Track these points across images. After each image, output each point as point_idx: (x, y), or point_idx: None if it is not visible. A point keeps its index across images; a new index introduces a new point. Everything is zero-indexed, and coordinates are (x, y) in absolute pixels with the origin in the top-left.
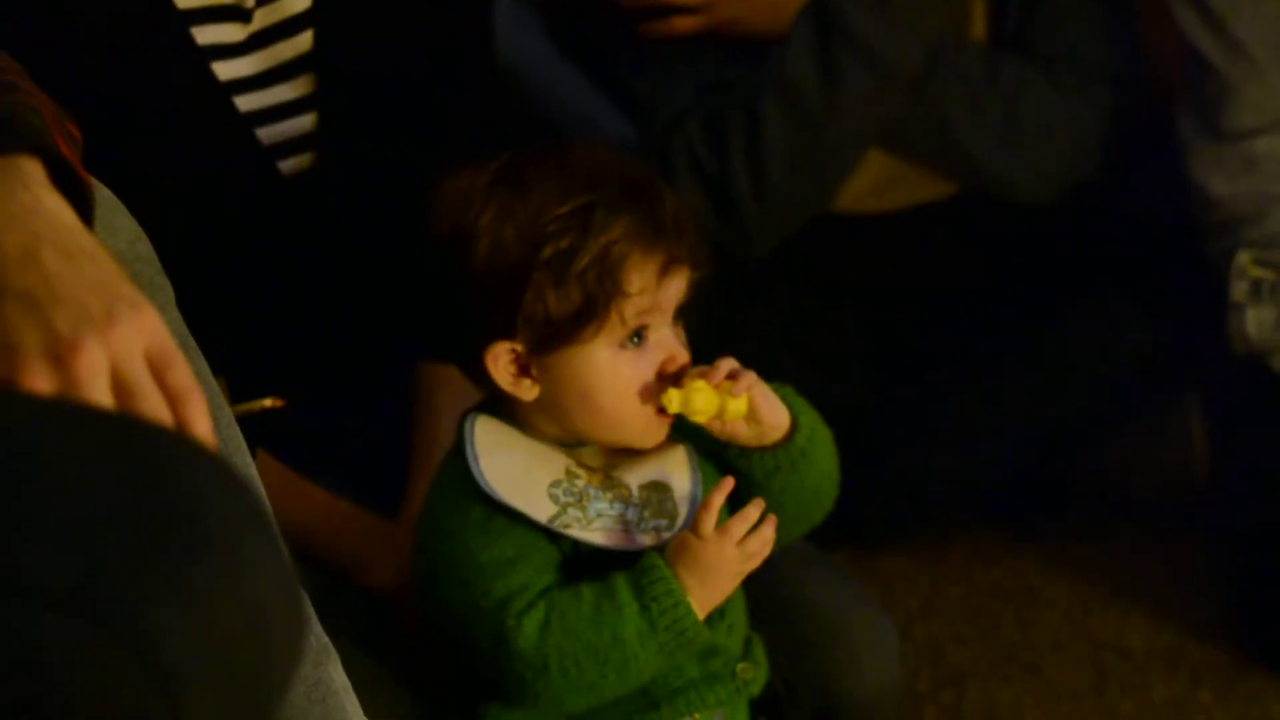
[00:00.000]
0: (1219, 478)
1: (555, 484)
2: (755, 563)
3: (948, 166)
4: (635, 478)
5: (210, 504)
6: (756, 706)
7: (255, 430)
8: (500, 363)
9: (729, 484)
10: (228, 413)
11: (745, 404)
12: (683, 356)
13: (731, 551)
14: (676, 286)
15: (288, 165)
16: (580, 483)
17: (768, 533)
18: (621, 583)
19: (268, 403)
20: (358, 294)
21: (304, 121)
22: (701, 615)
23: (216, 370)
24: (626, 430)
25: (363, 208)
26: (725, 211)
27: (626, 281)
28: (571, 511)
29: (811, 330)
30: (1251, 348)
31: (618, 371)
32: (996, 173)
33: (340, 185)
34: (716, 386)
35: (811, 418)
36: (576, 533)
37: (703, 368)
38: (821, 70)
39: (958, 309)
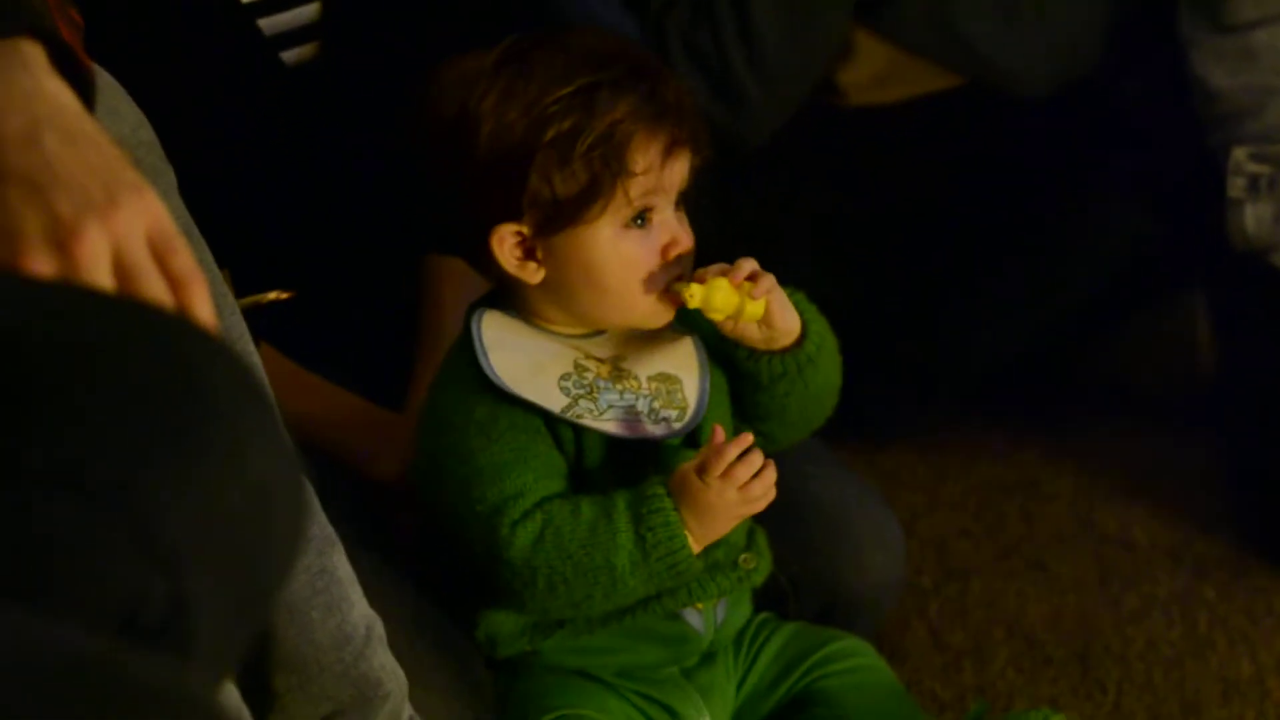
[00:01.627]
0: (1223, 372)
1: (565, 376)
2: (757, 507)
3: (949, 57)
4: (644, 369)
5: (212, 384)
6: (760, 600)
7: (260, 323)
8: (506, 245)
9: (747, 439)
10: (231, 302)
11: (762, 306)
12: (686, 240)
13: (733, 495)
14: (680, 168)
15: (290, 55)
16: (590, 375)
17: (769, 477)
18: (621, 507)
19: (273, 295)
20: (362, 185)
21: (307, 11)
22: (696, 550)
23: (221, 262)
24: (632, 311)
25: (366, 97)
26: (725, 92)
27: (631, 161)
28: (583, 403)
29: (814, 222)
30: (1250, 244)
31: (622, 251)
32: (997, 63)
33: (343, 75)
34: (737, 286)
35: (821, 325)
36: (589, 422)
37: (723, 265)
38: None
39: (959, 201)
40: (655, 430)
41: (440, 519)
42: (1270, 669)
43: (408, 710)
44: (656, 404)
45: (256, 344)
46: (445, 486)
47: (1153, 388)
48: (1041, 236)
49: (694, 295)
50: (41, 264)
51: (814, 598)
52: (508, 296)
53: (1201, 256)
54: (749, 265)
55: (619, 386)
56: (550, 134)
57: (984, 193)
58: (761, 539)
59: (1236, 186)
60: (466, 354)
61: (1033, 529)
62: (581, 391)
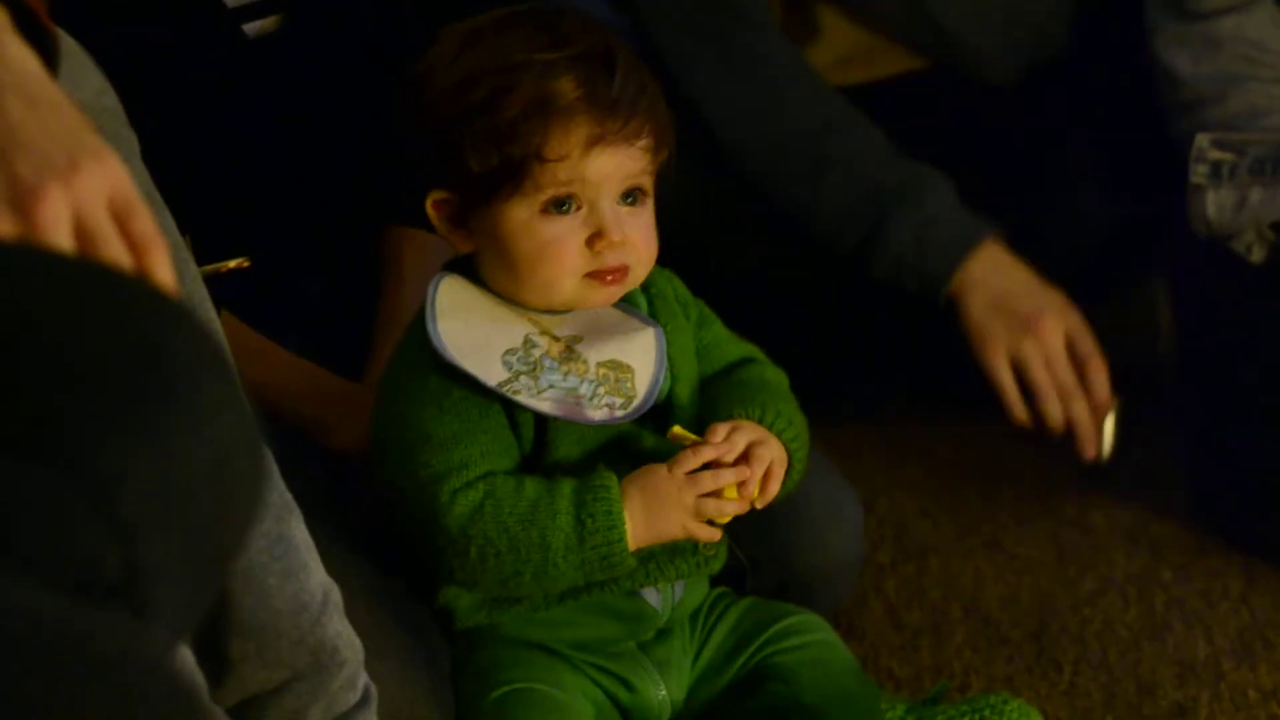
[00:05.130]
0: (1183, 357)
1: (510, 351)
2: (701, 520)
3: (917, 37)
4: (596, 354)
5: (171, 349)
6: (717, 576)
7: (221, 292)
8: (437, 211)
9: (725, 450)
10: (193, 268)
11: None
12: (617, 235)
13: (689, 499)
14: (612, 162)
15: (252, 27)
16: (538, 352)
17: (729, 508)
18: (566, 490)
19: (234, 263)
20: (323, 155)
21: None
22: (632, 547)
23: (183, 229)
24: (552, 293)
25: (327, 70)
26: None
27: (545, 146)
28: (523, 380)
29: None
30: (1212, 230)
31: (535, 234)
32: (965, 44)
33: (305, 46)
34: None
35: (800, 431)
36: (525, 400)
37: (732, 476)
38: None
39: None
40: (594, 415)
41: (385, 485)
42: (1225, 651)
43: (364, 678)
44: (601, 390)
45: (217, 312)
46: (392, 452)
47: (1113, 372)
48: (1004, 222)
49: (710, 510)
50: (1, 226)
51: (771, 574)
52: (470, 262)
53: (1163, 242)
54: (757, 470)
55: (564, 368)
56: (472, 106)
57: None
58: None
59: (1199, 173)
60: (423, 321)
61: (991, 509)
62: (524, 368)
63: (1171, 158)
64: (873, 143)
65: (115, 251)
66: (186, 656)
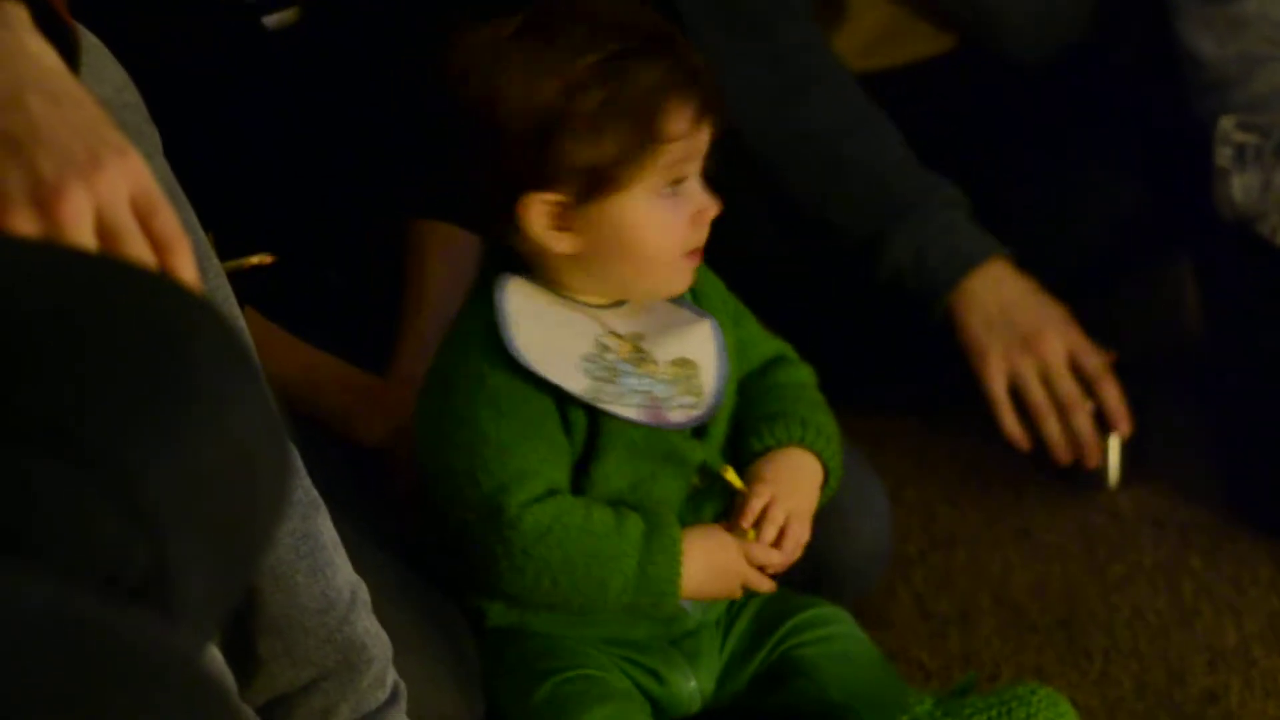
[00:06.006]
0: (1209, 340)
1: (587, 357)
2: (741, 585)
3: (952, 5)
4: (663, 353)
5: (196, 346)
6: None
7: (244, 288)
8: (535, 215)
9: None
10: (216, 264)
11: None
12: (714, 207)
13: (741, 566)
14: (707, 134)
15: (272, 20)
16: (611, 356)
17: (767, 585)
18: (633, 532)
19: (256, 259)
20: (346, 149)
21: None
22: (682, 598)
23: (206, 225)
24: (660, 278)
25: (349, 62)
26: None
27: (666, 128)
28: (606, 387)
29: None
30: (1237, 213)
31: (656, 218)
32: (1001, 15)
33: (325, 39)
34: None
35: (834, 437)
36: (612, 408)
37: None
38: None
39: (945, 171)
40: (675, 418)
41: (434, 482)
42: (1255, 637)
43: (392, 675)
44: (676, 389)
45: (241, 308)
46: (445, 451)
47: (1139, 356)
48: (1030, 205)
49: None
50: (24, 224)
51: (800, 566)
52: (526, 264)
53: (1189, 225)
54: (775, 523)
55: (640, 370)
56: (584, 102)
57: (971, 162)
58: None
59: (1224, 156)
60: (482, 319)
61: (1019, 497)
62: (603, 374)
63: (1196, 140)
64: (891, 149)
65: (138, 248)
66: (215, 655)
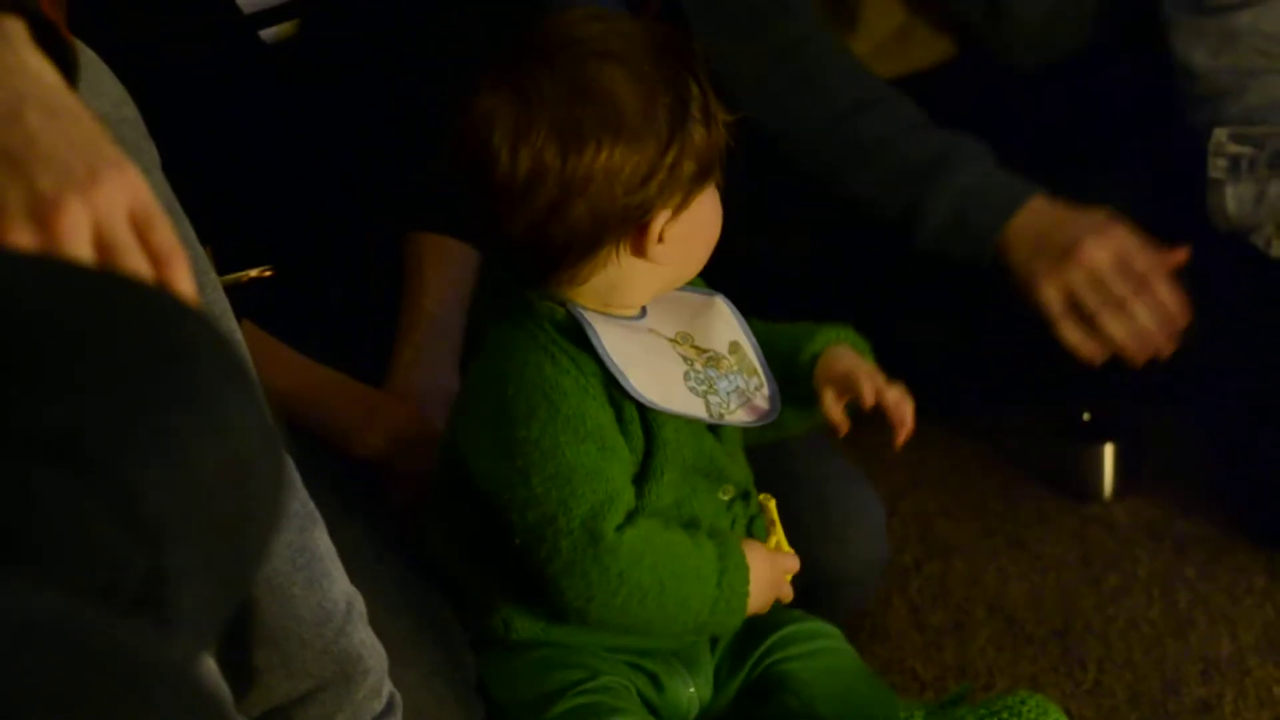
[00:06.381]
0: (1204, 351)
1: (686, 376)
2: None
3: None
4: (719, 344)
5: (193, 357)
6: None
7: (242, 301)
8: (656, 235)
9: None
10: (213, 278)
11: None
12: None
13: (780, 579)
14: None
15: (269, 33)
16: (698, 366)
17: (790, 595)
18: (709, 553)
19: (254, 273)
20: (343, 162)
21: None
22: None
23: (203, 239)
24: (704, 260)
25: (347, 75)
26: None
27: (720, 123)
28: (714, 400)
29: (801, 204)
30: (1232, 224)
31: (717, 209)
32: (1013, 15)
33: (322, 52)
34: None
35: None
36: (731, 419)
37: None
38: None
39: None
40: (764, 406)
41: (514, 513)
42: (1250, 648)
43: (388, 687)
44: (746, 376)
45: (238, 321)
46: (527, 482)
47: (1134, 365)
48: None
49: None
50: (22, 238)
51: (797, 577)
52: (570, 287)
53: (1184, 236)
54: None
55: (722, 370)
56: (681, 137)
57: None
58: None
59: (1218, 167)
60: (532, 345)
61: (1014, 508)
62: (705, 388)
63: (1191, 152)
64: (906, 117)
65: (136, 262)
66: (211, 666)
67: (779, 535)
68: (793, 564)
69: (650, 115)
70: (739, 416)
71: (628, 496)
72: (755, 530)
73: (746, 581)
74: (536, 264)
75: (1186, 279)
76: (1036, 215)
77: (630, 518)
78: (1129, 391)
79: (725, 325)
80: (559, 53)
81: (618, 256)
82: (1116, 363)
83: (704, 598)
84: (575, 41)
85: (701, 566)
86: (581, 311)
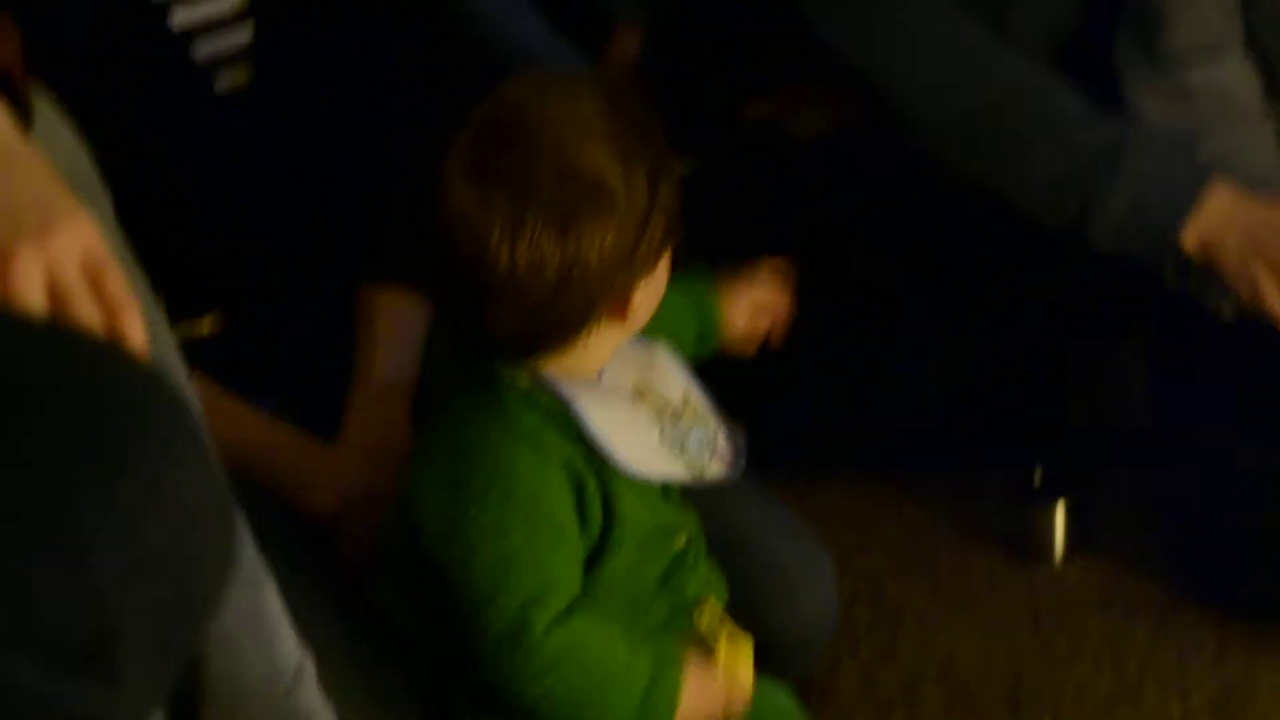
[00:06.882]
0: (1156, 414)
1: (660, 438)
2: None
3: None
4: (675, 395)
5: (143, 415)
6: None
7: (194, 353)
8: (636, 301)
9: None
10: (165, 330)
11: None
12: None
13: (719, 707)
14: None
15: (223, 82)
16: (668, 425)
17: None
18: (642, 668)
19: (206, 326)
20: (296, 213)
21: (239, 36)
22: None
23: (155, 287)
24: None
25: (299, 124)
26: None
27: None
28: (690, 458)
29: (768, 241)
30: (1184, 285)
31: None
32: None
33: (276, 101)
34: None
35: None
36: (711, 475)
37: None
38: None
39: (906, 244)
40: (729, 450)
41: (454, 588)
42: (1201, 710)
43: None
44: (705, 425)
45: (189, 373)
46: (470, 562)
47: (1087, 428)
48: (983, 279)
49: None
50: None
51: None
52: (542, 354)
53: (1137, 297)
54: None
55: (685, 425)
56: (659, 201)
57: (927, 236)
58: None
59: None
60: (494, 416)
61: (965, 570)
62: (679, 446)
63: None
64: (1073, 105)
65: (88, 313)
66: None
67: (727, 651)
68: (739, 698)
69: (632, 186)
70: (714, 470)
71: (570, 586)
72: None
73: (673, 707)
74: (521, 345)
75: (1139, 341)
76: (1227, 205)
77: (570, 609)
78: (1081, 453)
79: (674, 374)
80: (537, 135)
81: (599, 327)
82: (1068, 422)
83: (626, 711)
84: (549, 121)
85: (630, 682)
86: (560, 386)
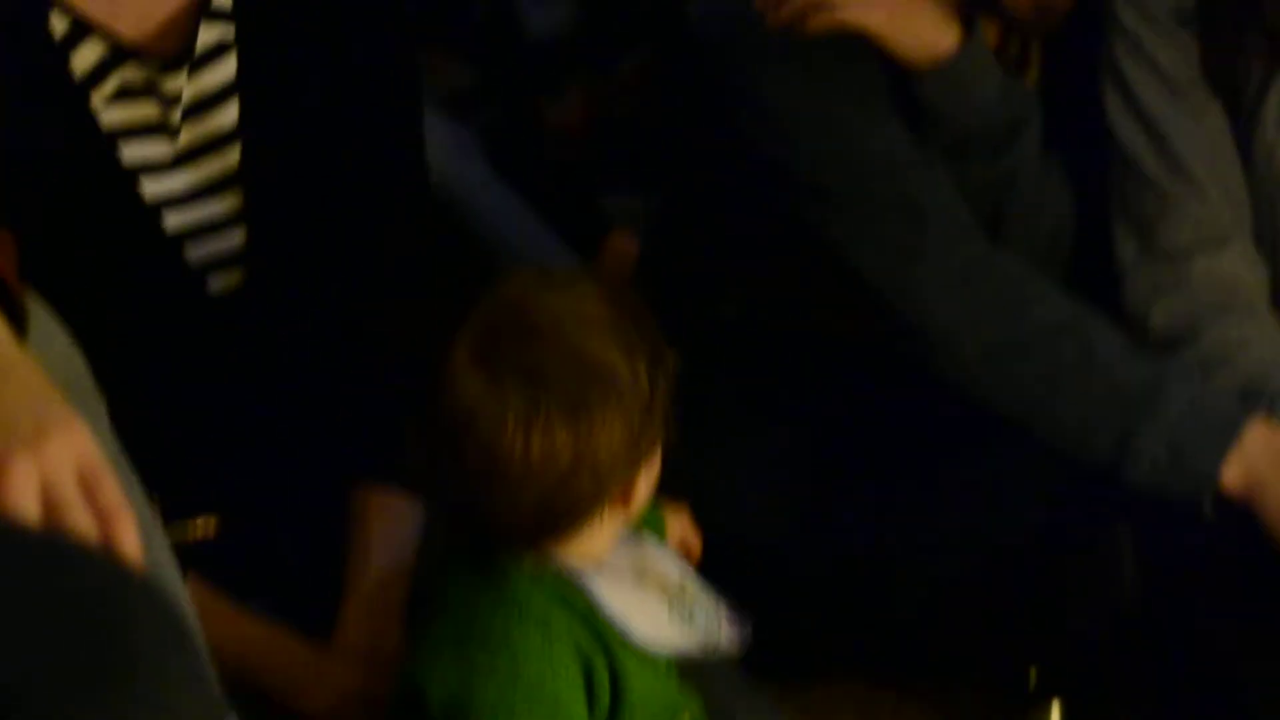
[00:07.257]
0: (1148, 608)
1: (670, 613)
2: None
3: None
4: (671, 573)
5: (135, 628)
6: None
7: (188, 555)
8: (641, 484)
9: None
10: (159, 533)
11: None
12: None
13: None
14: None
15: (217, 283)
16: (675, 603)
17: None
18: None
19: (200, 528)
20: (291, 413)
21: (233, 238)
22: None
23: (149, 488)
24: None
25: (293, 326)
26: None
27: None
28: (702, 634)
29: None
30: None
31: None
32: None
33: (269, 303)
34: None
35: None
36: (725, 646)
37: None
38: None
39: (902, 432)
40: (732, 624)
41: None
42: None
43: None
44: (706, 602)
45: (184, 575)
46: None
47: (1080, 625)
48: (979, 467)
49: None
50: None
51: None
52: (546, 545)
53: (1129, 492)
54: None
55: (689, 601)
56: (660, 377)
57: (918, 427)
58: None
59: None
60: (506, 616)
61: None
62: (688, 622)
63: None
64: (1110, 342)
65: (82, 521)
66: None
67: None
68: None
69: (636, 373)
70: (725, 641)
71: None
72: None
73: None
74: (528, 533)
75: (1129, 534)
76: (1266, 449)
77: None
78: (1076, 651)
79: (667, 558)
80: (543, 326)
81: (607, 514)
82: (1063, 623)
83: None
84: (553, 312)
85: None
86: (577, 571)
